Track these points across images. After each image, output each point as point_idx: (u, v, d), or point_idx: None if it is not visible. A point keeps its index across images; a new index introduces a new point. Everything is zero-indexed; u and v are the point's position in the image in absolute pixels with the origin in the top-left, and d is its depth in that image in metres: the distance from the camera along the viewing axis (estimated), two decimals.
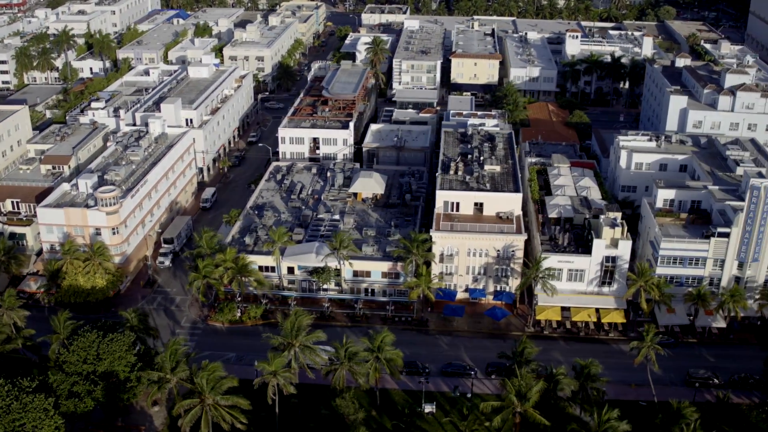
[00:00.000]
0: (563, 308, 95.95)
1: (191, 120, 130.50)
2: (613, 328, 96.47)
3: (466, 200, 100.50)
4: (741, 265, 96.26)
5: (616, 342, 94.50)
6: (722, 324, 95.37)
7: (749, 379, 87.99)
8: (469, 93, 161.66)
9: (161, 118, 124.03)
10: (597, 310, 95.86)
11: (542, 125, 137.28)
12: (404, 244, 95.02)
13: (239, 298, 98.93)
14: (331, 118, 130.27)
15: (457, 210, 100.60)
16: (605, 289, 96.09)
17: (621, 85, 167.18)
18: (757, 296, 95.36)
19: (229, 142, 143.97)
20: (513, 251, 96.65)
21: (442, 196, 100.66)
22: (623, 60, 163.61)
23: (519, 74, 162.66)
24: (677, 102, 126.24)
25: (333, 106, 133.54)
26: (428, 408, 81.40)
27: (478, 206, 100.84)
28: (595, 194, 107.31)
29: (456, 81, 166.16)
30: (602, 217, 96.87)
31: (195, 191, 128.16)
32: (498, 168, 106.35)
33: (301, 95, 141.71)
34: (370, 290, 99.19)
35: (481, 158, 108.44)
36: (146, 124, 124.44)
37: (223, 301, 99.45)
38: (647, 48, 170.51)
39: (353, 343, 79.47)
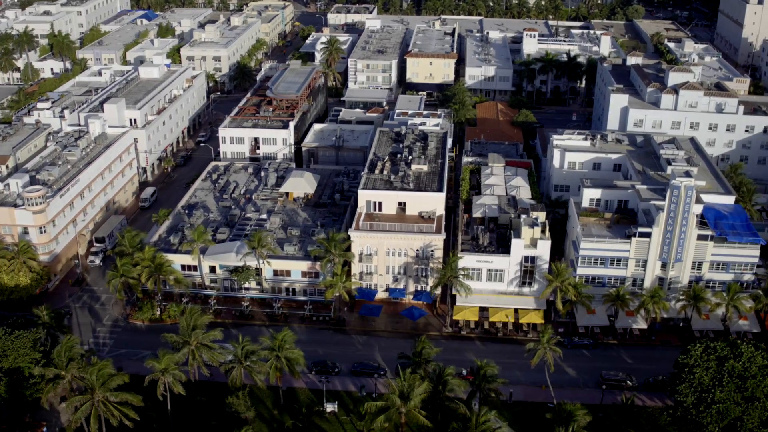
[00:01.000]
0: (482, 308, 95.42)
1: (135, 120, 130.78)
2: (532, 329, 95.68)
3: (389, 200, 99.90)
4: (664, 266, 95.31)
5: (534, 343, 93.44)
6: (643, 325, 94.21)
7: (667, 382, 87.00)
8: (424, 92, 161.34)
9: (101, 119, 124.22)
10: (516, 310, 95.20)
11: (489, 124, 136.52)
12: (322, 244, 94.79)
13: (160, 297, 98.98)
14: (273, 117, 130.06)
15: (380, 209, 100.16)
16: (526, 289, 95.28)
17: (578, 84, 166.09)
18: (681, 297, 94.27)
19: (178, 142, 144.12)
20: (432, 251, 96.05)
21: (364, 196, 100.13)
22: (580, 59, 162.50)
23: (474, 73, 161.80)
24: (618, 100, 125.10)
25: (277, 106, 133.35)
26: (330, 407, 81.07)
27: (402, 206, 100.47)
28: (524, 194, 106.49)
29: (411, 80, 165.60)
30: (523, 216, 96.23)
31: (136, 190, 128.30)
32: (425, 167, 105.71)
33: (248, 95, 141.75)
34: (291, 289, 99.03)
35: (410, 158, 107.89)
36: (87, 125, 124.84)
37: (144, 299, 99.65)
38: (605, 47, 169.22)
39: (249, 341, 79.37)
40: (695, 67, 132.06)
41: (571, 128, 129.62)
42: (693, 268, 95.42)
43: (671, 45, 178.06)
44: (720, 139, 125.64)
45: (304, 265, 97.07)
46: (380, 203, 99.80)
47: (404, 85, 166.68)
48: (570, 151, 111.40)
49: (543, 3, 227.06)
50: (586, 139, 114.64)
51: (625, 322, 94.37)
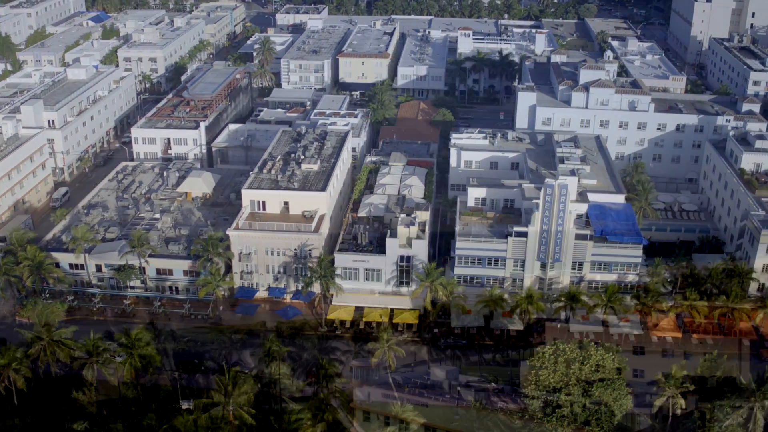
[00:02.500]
0: (359, 308, 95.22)
1: (53, 121, 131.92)
2: (407, 329, 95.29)
3: (272, 199, 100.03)
4: (544, 266, 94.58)
5: (408, 343, 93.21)
6: (519, 326, 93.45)
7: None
8: (357, 92, 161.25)
9: (15, 119, 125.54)
10: (392, 310, 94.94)
11: (407, 124, 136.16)
12: (200, 243, 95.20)
13: (47, 295, 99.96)
14: (187, 118, 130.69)
15: (264, 209, 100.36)
16: (403, 289, 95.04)
17: (513, 83, 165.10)
18: (562, 298, 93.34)
19: (102, 143, 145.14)
20: (310, 250, 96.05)
21: (248, 195, 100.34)
22: (514, 57, 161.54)
23: (406, 73, 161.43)
24: (525, 98, 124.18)
25: (194, 107, 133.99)
26: (186, 404, 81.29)
27: (287, 205, 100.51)
28: (417, 193, 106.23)
29: (344, 80, 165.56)
30: (400, 216, 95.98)
31: (50, 191, 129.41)
32: (315, 167, 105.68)
33: (169, 95, 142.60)
34: (174, 288, 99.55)
35: (302, 157, 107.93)
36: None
37: (32, 297, 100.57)
38: (540, 45, 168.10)
39: (101, 338, 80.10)
40: (610, 64, 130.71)
41: (499, 127, 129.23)
42: (574, 268, 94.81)
43: (615, 43, 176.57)
44: (631, 138, 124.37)
45: (186, 264, 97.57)
46: (264, 202, 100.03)
47: (338, 85, 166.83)
48: (466, 149, 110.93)
49: (498, 2, 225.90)
50: (486, 137, 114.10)
51: (500, 322, 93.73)
